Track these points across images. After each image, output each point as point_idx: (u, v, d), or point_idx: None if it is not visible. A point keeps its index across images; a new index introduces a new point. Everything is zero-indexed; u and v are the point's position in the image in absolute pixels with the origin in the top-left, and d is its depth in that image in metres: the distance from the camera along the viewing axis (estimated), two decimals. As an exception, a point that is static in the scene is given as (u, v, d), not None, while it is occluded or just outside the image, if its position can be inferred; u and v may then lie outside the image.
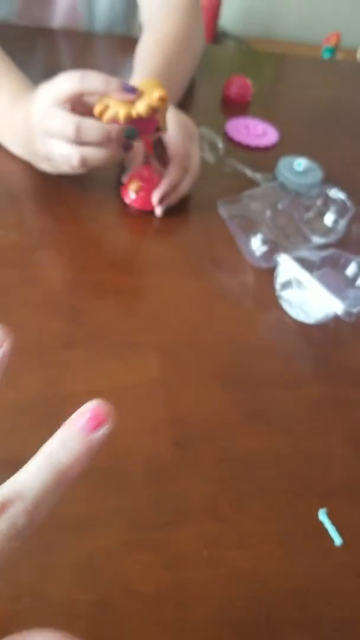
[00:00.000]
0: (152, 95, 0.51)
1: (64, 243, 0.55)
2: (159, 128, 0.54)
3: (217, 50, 0.84)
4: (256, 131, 0.75)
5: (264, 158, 0.71)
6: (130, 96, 0.52)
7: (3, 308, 0.49)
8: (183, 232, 0.60)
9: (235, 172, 0.67)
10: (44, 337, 0.47)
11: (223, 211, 0.58)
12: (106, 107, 0.51)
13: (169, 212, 0.60)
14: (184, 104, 0.77)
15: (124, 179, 0.61)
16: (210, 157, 0.67)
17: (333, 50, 1.92)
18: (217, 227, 0.59)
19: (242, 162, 0.69)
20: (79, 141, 0.52)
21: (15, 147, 0.62)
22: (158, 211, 0.59)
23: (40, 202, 0.59)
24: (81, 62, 0.89)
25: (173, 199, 0.60)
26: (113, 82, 0.52)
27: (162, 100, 0.52)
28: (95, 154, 0.53)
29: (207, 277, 0.55)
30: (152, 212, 0.60)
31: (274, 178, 0.67)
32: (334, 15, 2.12)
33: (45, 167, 0.59)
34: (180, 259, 0.57)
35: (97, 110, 0.51)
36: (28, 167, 0.61)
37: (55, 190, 0.60)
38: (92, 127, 0.52)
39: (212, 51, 0.85)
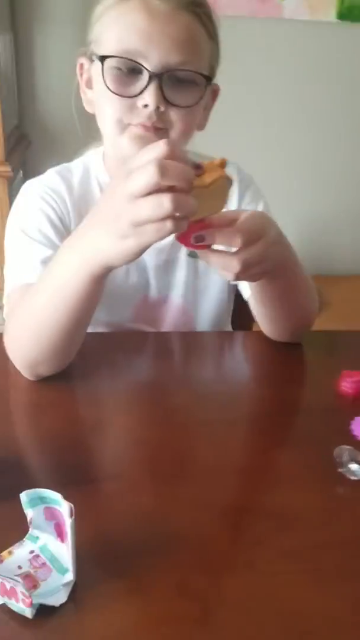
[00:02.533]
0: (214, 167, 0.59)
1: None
2: None
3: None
4: (384, 429, 0.75)
5: None
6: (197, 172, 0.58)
7: None
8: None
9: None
10: None
11: None
12: None
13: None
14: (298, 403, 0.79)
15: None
16: (353, 474, 0.66)
17: None
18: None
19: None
20: (166, 181, 0.55)
21: (89, 260, 0.65)
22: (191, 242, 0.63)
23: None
24: (189, 357, 0.94)
25: (227, 261, 0.65)
26: (188, 171, 0.57)
27: (222, 164, 0.60)
28: (185, 197, 0.56)
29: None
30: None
31: None
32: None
33: (127, 244, 0.60)
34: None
35: None
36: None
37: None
38: (174, 164, 0.55)
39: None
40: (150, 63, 0.78)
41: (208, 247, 0.66)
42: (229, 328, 1.10)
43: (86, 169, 0.95)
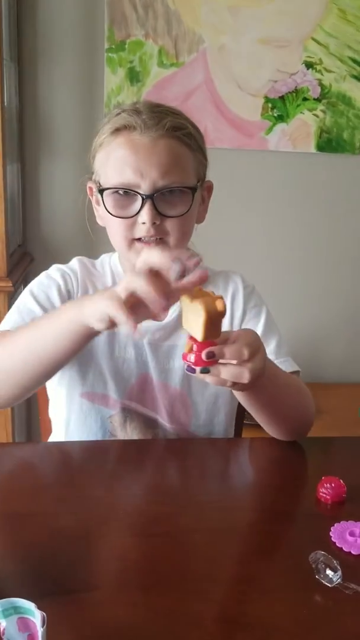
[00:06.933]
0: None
1: None
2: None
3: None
4: (363, 536, 0.75)
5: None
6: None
7: None
8: None
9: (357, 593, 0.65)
10: None
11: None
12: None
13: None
14: (280, 510, 0.80)
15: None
16: (329, 581, 0.66)
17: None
18: None
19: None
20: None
21: (77, 316, 0.77)
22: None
23: None
24: (174, 465, 0.96)
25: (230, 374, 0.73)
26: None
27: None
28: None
29: None
30: None
31: None
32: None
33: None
34: None
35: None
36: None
37: None
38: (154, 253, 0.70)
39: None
40: (142, 188, 0.90)
41: (215, 363, 0.73)
42: (233, 422, 1.11)
43: (103, 262, 1.07)
